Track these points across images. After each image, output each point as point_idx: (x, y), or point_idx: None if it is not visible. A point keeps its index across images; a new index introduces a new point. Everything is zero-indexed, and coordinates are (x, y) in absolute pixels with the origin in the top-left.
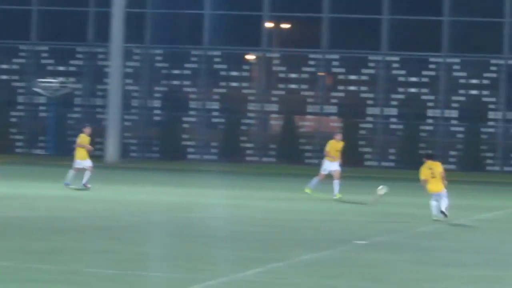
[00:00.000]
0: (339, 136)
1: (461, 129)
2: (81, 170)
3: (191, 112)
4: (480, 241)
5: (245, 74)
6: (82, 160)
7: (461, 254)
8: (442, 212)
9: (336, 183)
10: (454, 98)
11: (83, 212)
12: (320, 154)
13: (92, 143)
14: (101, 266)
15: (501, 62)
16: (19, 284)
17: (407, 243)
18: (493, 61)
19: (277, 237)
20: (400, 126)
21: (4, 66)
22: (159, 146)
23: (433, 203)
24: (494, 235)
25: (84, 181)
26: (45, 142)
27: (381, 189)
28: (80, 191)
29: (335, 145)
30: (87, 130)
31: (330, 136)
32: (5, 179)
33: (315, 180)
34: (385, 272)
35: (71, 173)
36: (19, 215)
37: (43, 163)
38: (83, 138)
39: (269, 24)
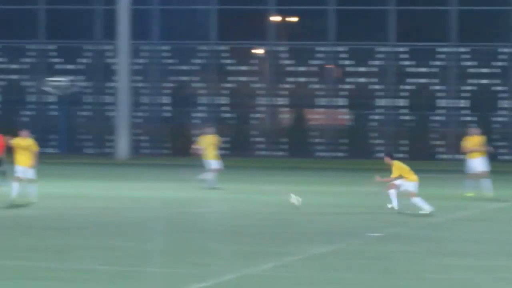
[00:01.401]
0: (475, 131)
1: (474, 118)
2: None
3: (200, 108)
4: (489, 232)
5: (253, 68)
6: (214, 160)
7: (472, 245)
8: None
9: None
10: (464, 87)
11: (91, 209)
12: (329, 147)
13: (103, 140)
14: (109, 263)
15: (509, 50)
16: (27, 282)
17: (418, 234)
18: (500, 50)
19: (288, 231)
20: (410, 117)
21: (14, 66)
22: (169, 142)
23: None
24: (502, 225)
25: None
26: (56, 141)
27: (294, 199)
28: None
29: (473, 140)
30: (209, 130)
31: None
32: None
33: (470, 182)
34: (395, 263)
35: (209, 175)
36: (28, 214)
37: (54, 161)
38: (207, 139)
39: (275, 18)
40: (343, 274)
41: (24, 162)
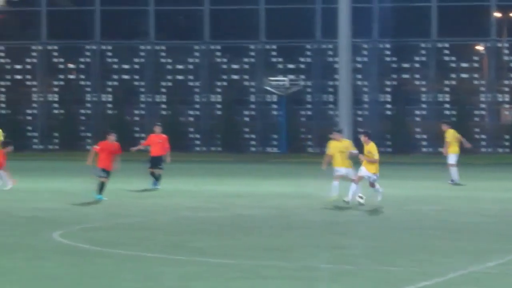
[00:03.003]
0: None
1: None
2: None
3: (422, 105)
4: None
5: (474, 65)
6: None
7: None
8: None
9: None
10: None
11: (312, 208)
12: None
13: (325, 139)
14: (334, 262)
15: None
16: (255, 281)
17: None
18: None
19: None
20: None
21: (235, 66)
22: (391, 140)
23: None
24: None
25: (454, 177)
26: (277, 140)
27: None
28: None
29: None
30: (445, 127)
31: None
32: (237, 177)
33: None
34: None
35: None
36: (251, 213)
37: (275, 161)
38: (450, 134)
39: (497, 14)
40: None
41: (342, 164)
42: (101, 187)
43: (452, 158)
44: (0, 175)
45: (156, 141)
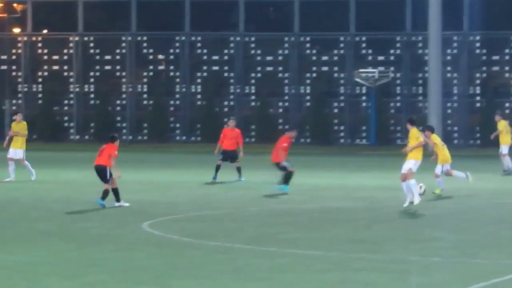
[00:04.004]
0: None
1: None
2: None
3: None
4: None
5: None
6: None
7: None
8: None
9: None
10: None
11: (401, 201)
12: None
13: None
14: (423, 254)
15: None
16: (345, 273)
17: None
18: None
19: None
20: None
21: (325, 58)
22: (480, 132)
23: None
24: None
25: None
26: (366, 132)
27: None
28: None
29: None
30: (498, 117)
31: None
32: (326, 170)
33: None
34: None
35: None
36: (342, 206)
37: (365, 153)
38: (502, 124)
39: None
40: None
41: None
42: (289, 177)
43: (504, 149)
44: (26, 165)
45: (231, 136)
